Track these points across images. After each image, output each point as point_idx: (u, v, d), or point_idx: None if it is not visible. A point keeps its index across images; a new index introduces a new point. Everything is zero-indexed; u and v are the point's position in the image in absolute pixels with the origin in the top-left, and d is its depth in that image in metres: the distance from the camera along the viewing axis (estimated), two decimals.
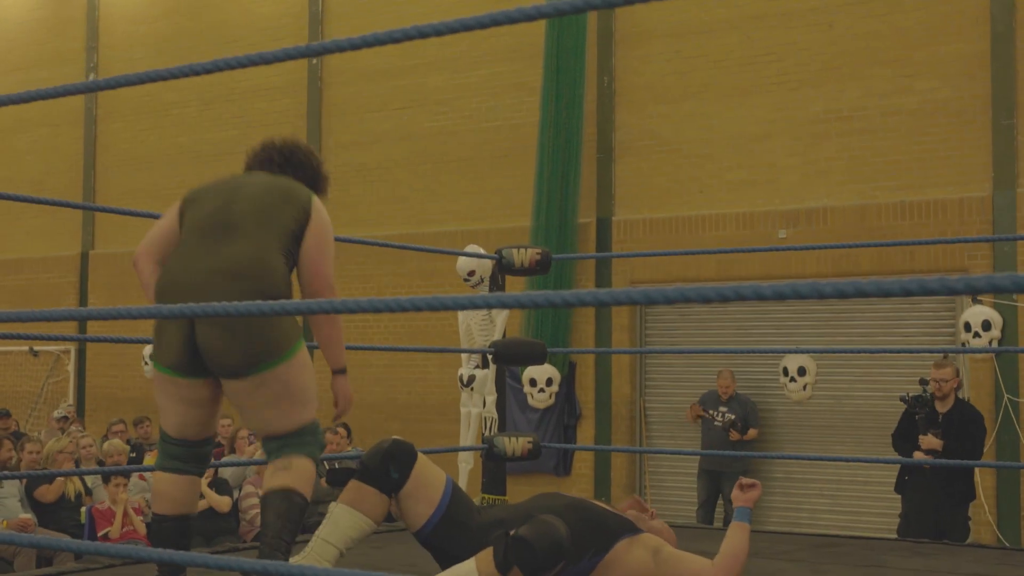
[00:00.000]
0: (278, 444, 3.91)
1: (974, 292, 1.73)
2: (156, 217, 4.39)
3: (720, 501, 10.94)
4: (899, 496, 8.37)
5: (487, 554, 4.03)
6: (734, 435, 10.74)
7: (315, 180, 4.30)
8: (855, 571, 4.94)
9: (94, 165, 16.22)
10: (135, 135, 15.87)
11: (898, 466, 8.44)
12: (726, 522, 8.59)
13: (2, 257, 16.78)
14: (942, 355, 8.80)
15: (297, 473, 3.85)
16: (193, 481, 4.03)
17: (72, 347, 15.93)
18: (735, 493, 4.53)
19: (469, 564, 4.04)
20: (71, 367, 15.89)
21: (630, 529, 4.48)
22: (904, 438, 8.12)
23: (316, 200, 4.07)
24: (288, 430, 3.89)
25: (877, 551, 5.80)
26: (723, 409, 10.91)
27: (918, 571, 5.04)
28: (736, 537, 4.39)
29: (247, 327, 3.74)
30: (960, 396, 8.22)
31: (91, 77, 16.22)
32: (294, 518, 3.79)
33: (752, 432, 10.90)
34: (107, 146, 16.19)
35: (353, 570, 2.19)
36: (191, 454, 4.00)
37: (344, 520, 4.19)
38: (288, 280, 3.92)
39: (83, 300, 15.83)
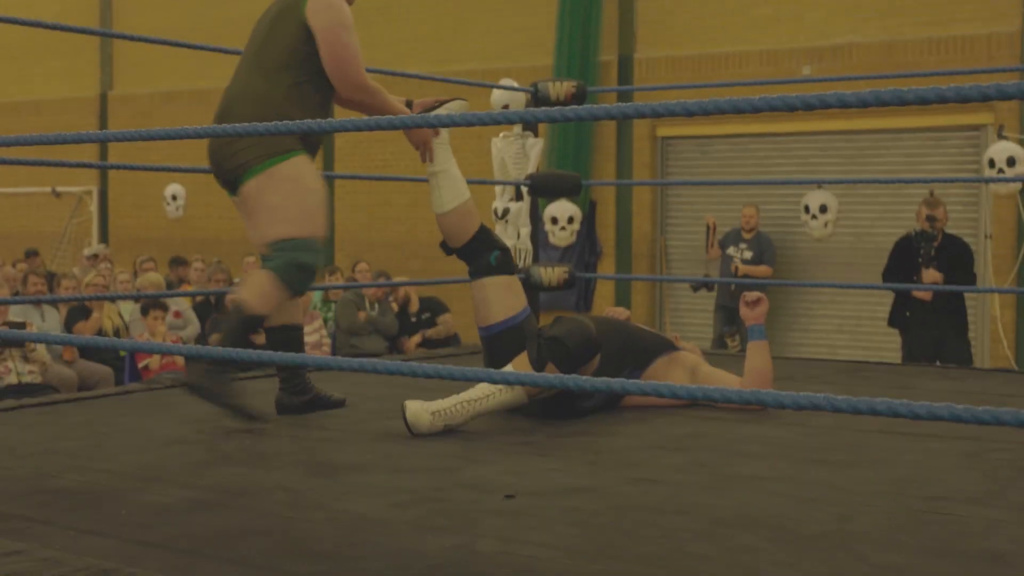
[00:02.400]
0: (264, 260, 4.05)
1: (985, 98, 1.80)
2: (175, 47, 4.88)
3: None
4: (897, 330, 8.60)
5: (522, 357, 4.12)
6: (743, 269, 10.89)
7: None
8: (888, 392, 5.07)
9: (110, 5, 16.05)
10: None
11: (891, 301, 8.66)
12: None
13: (22, 99, 16.74)
14: (930, 193, 8.90)
15: (249, 288, 3.97)
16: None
17: (94, 188, 16.01)
18: (743, 312, 4.55)
19: (506, 368, 4.12)
20: (94, 208, 16.00)
21: (668, 347, 4.58)
22: (895, 274, 8.29)
23: (310, 6, 4.05)
24: (264, 242, 4.02)
25: (906, 375, 5.94)
26: (743, 246, 11.01)
27: (949, 392, 5.17)
28: (758, 355, 4.46)
29: (224, 145, 4.03)
30: (946, 231, 8.40)
31: None
32: (235, 334, 3.91)
33: (765, 270, 10.97)
34: None
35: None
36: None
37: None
38: (288, 99, 4.02)
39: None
